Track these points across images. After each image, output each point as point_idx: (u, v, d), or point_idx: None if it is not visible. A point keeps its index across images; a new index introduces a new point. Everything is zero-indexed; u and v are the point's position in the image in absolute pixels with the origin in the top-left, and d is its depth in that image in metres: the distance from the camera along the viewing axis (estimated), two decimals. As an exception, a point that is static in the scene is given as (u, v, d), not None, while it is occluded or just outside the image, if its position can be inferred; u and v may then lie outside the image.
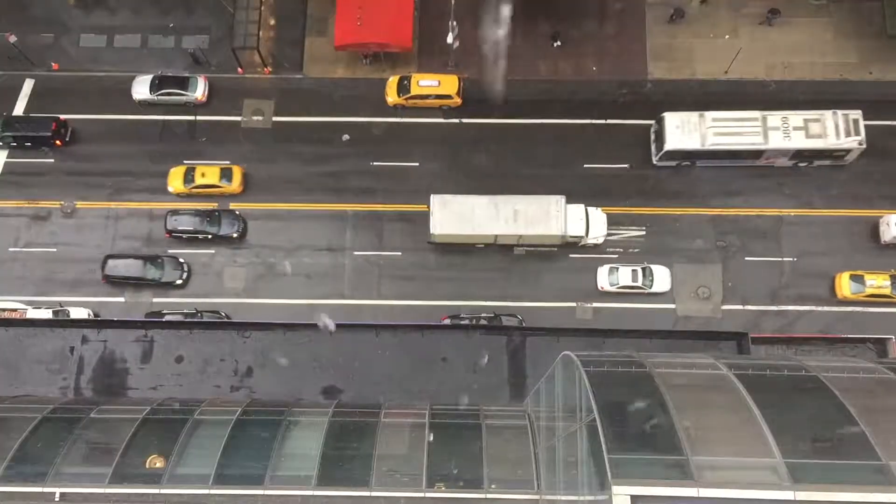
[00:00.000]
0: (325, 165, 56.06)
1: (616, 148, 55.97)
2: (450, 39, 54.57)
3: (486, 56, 55.77)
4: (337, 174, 55.90)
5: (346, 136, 56.75)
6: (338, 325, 45.65)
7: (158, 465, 33.66)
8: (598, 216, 52.89)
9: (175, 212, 53.97)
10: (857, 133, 52.40)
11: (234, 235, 53.89)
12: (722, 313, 52.89)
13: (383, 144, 56.61)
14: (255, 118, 57.44)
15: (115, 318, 49.02)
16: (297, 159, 56.39)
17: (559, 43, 58.27)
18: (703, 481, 23.75)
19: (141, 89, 56.85)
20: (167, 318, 50.63)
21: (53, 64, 58.54)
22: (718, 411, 27.93)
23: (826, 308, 52.65)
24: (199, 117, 57.40)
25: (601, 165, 55.56)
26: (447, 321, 50.92)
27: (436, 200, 52.08)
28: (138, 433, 35.09)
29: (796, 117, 52.80)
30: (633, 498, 23.41)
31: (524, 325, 51.00)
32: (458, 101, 56.37)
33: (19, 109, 57.32)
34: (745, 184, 54.92)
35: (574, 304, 53.11)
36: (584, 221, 52.24)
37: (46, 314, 50.79)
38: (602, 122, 56.62)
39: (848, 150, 52.88)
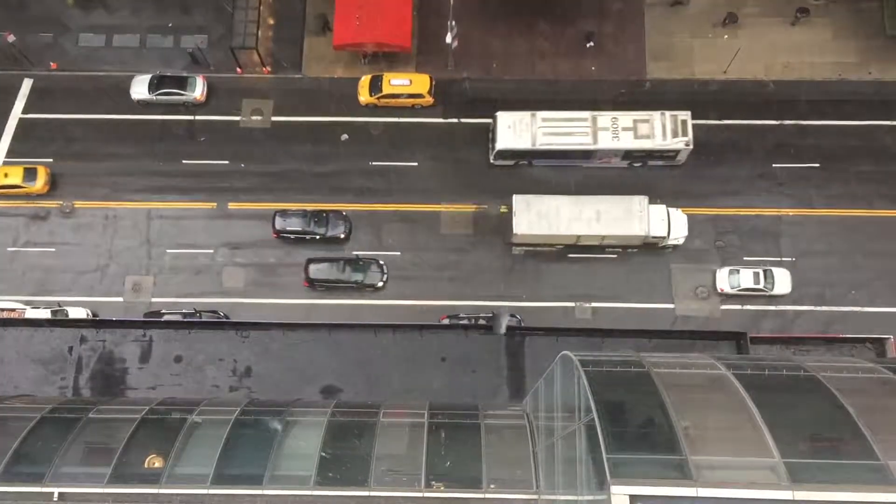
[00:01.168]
0: (324, 165, 56.06)
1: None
2: (448, 39, 54.61)
3: (483, 55, 55.99)
4: (336, 174, 55.90)
5: (344, 136, 56.76)
6: (336, 326, 45.78)
7: (157, 464, 33.63)
8: (679, 217, 52.75)
9: (283, 212, 53.79)
10: (685, 134, 52.75)
11: (342, 236, 53.71)
12: (721, 313, 52.91)
13: (382, 144, 56.64)
14: (254, 118, 57.43)
15: (114, 318, 48.96)
16: (295, 159, 56.38)
17: (592, 44, 58.05)
18: (701, 481, 23.73)
19: (140, 89, 56.83)
20: (166, 317, 50.60)
21: (52, 63, 58.51)
22: (717, 411, 27.94)
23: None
24: (197, 117, 57.40)
25: (599, 166, 55.47)
26: (446, 321, 50.89)
27: (519, 201, 51.80)
28: (137, 433, 35.06)
29: (626, 118, 53.22)
30: (632, 497, 23.40)
31: (523, 324, 51.00)
32: (430, 100, 56.39)
33: (18, 109, 57.29)
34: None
35: (573, 304, 53.13)
36: (667, 222, 52.12)
37: (45, 314, 50.75)
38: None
39: (678, 151, 53.23)
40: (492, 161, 54.97)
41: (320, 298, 53.06)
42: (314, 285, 52.77)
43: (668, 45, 58.42)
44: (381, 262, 52.98)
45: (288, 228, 53.54)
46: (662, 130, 52.72)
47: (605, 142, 52.75)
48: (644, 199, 51.62)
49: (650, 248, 53.21)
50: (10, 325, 46.14)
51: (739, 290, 52.24)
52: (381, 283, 52.76)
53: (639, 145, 52.93)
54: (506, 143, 53.09)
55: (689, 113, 53.22)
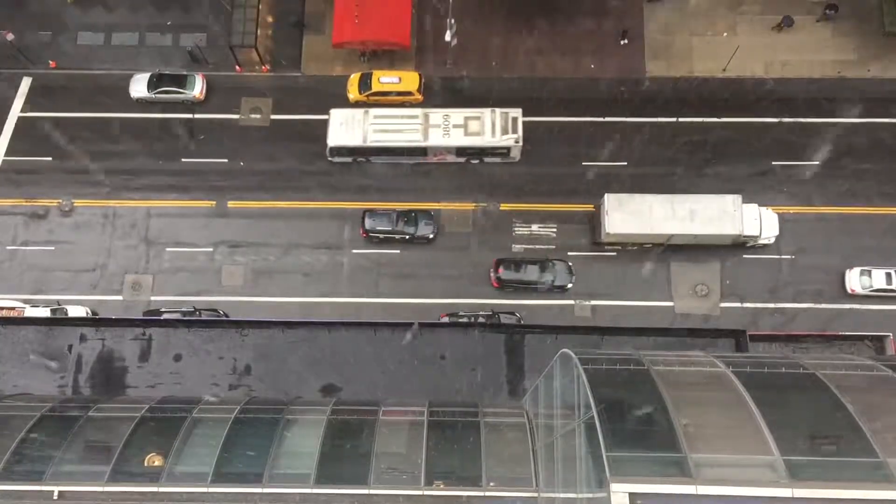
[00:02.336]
0: (323, 163, 56.00)
1: (613, 146, 55.95)
2: (448, 37, 54.60)
3: (482, 53, 55.89)
4: (335, 172, 55.88)
5: (344, 134, 56.73)
6: (336, 323, 45.79)
7: (157, 463, 33.64)
8: (770, 216, 52.63)
9: (372, 212, 53.92)
10: (515, 131, 53.04)
11: (430, 236, 53.81)
12: (720, 311, 52.93)
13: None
14: (253, 116, 57.41)
15: (114, 317, 49.00)
16: (294, 157, 56.36)
17: (626, 41, 58.00)
18: (701, 478, 23.75)
19: (139, 87, 56.82)
20: (165, 316, 50.59)
21: (51, 62, 58.48)
22: (716, 409, 27.94)
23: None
24: (196, 115, 57.37)
25: (598, 163, 55.55)
26: (446, 319, 50.90)
27: (611, 199, 51.73)
28: (137, 431, 35.07)
29: (457, 115, 53.70)
30: (632, 495, 23.41)
31: (522, 322, 51.03)
32: (420, 97, 56.36)
33: (17, 108, 57.27)
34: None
35: (572, 302, 53.16)
36: (759, 221, 52.01)
37: (44, 312, 50.75)
38: (601, 119, 56.60)
39: (509, 148, 53.54)
40: (329, 158, 55.14)
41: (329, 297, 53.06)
42: (504, 286, 52.83)
43: (668, 43, 58.41)
44: (570, 264, 52.92)
45: (377, 228, 53.58)
46: (492, 128, 53.17)
47: (436, 139, 53.24)
48: (738, 198, 51.47)
49: (739, 247, 53.14)
50: (9, 323, 46.12)
51: (871, 291, 52.04)
52: (570, 286, 52.75)
53: (469, 142, 53.38)
54: (337, 139, 53.59)
55: (519, 111, 53.88)
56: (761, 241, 52.72)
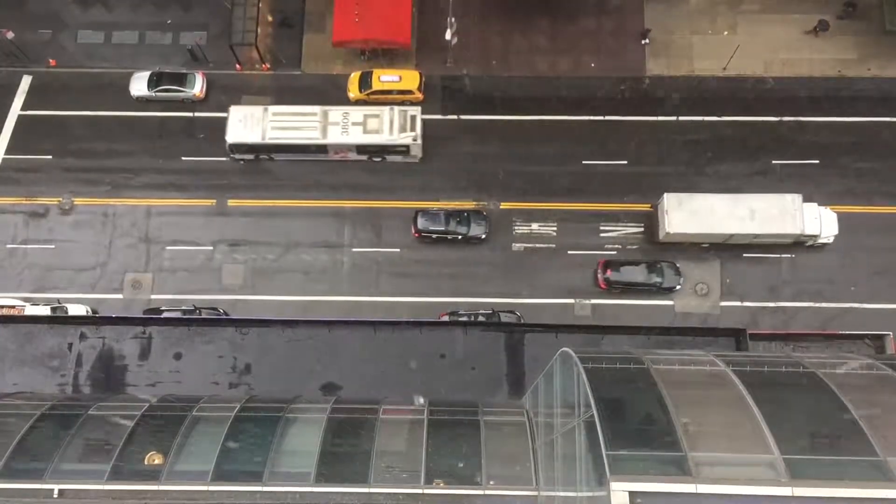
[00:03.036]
0: (324, 162, 55.97)
1: (614, 145, 55.97)
2: (448, 36, 54.58)
3: (483, 52, 55.83)
4: (335, 170, 55.86)
5: (344, 133, 56.72)
6: (336, 322, 45.79)
7: (157, 461, 33.62)
8: (829, 215, 52.56)
9: (425, 212, 53.82)
10: (413, 129, 53.23)
11: (483, 237, 53.71)
12: (720, 310, 52.95)
13: (381, 141, 56.59)
14: (253, 115, 57.31)
15: (114, 315, 48.95)
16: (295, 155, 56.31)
17: (648, 41, 57.93)
18: (701, 477, 23.74)
19: (139, 86, 56.82)
20: (165, 314, 50.60)
21: (51, 60, 58.47)
22: (716, 407, 27.95)
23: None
24: (197, 114, 57.35)
25: (599, 162, 55.55)
26: (446, 318, 50.91)
27: (671, 199, 51.58)
28: (137, 430, 35.05)
29: (357, 113, 53.88)
30: (632, 494, 23.39)
31: (522, 321, 51.03)
32: (420, 96, 56.37)
33: (17, 106, 57.27)
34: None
35: (572, 301, 53.17)
36: (819, 220, 51.95)
37: (45, 311, 50.75)
38: (601, 118, 56.60)
39: (408, 146, 53.80)
40: (231, 155, 55.20)
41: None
42: (611, 286, 52.85)
43: (668, 41, 58.40)
44: (678, 265, 52.93)
45: (430, 228, 53.46)
46: (391, 126, 53.28)
47: (335, 136, 53.35)
48: (798, 198, 51.36)
49: (798, 245, 53.05)
50: (9, 322, 46.12)
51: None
52: (678, 287, 52.76)
53: (367, 140, 53.45)
54: (236, 136, 53.66)
55: (418, 108, 54.22)
56: (821, 240, 52.62)
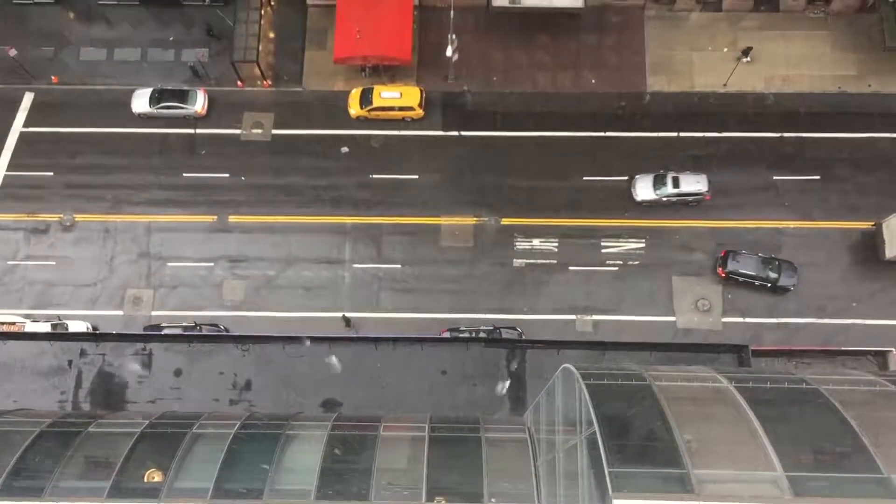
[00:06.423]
0: (325, 178, 56.12)
1: (615, 161, 56.06)
2: (449, 52, 54.79)
3: (484, 68, 55.96)
4: (336, 186, 55.97)
5: (345, 149, 56.87)
6: (336, 339, 45.69)
7: (157, 478, 33.41)
8: None
9: (735, 253, 52.88)
10: None
11: (791, 288, 52.90)
12: (722, 326, 52.83)
13: (382, 157, 56.73)
14: (254, 131, 57.52)
15: (114, 332, 48.86)
16: (296, 172, 56.44)
17: (749, 59, 57.11)
18: (703, 494, 23.60)
19: (140, 102, 57.01)
20: (166, 331, 50.52)
21: (53, 77, 58.69)
22: (719, 424, 27.79)
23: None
24: (198, 130, 57.50)
25: (600, 178, 55.60)
26: (446, 334, 50.78)
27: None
28: (136, 447, 34.87)
29: None
30: (634, 511, 23.30)
31: (524, 337, 50.91)
32: (421, 112, 56.53)
33: (19, 123, 57.44)
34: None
35: (574, 317, 53.07)
36: None
37: (45, 327, 50.68)
38: (602, 134, 56.72)
39: None
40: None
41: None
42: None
43: (668, 58, 58.60)
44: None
45: (741, 271, 52.77)
46: None
47: None
48: None
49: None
50: (9, 338, 46.01)
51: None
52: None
53: None
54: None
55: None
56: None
